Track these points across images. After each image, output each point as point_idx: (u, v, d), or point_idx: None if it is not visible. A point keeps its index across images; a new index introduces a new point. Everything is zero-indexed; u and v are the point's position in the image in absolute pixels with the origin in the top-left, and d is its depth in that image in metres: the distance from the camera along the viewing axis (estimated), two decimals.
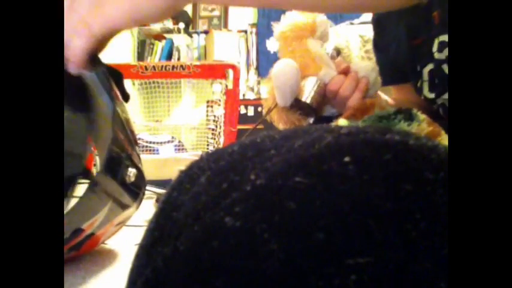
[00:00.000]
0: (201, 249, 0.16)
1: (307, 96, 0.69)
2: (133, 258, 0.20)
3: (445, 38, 0.60)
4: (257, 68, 3.03)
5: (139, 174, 0.48)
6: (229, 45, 3.09)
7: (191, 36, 3.11)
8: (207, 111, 2.64)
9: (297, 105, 0.69)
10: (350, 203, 0.15)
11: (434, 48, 0.61)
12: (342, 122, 0.53)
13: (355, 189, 0.15)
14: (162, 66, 1.18)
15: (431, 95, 0.63)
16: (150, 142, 1.74)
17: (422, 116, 0.47)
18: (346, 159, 0.16)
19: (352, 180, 0.15)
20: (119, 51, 2.61)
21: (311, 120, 0.71)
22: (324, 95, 0.69)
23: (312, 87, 0.68)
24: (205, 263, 0.15)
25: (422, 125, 0.46)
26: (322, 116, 0.72)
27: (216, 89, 2.19)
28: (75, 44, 0.36)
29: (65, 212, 0.36)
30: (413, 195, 0.15)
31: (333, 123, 0.56)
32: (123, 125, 0.47)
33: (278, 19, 0.68)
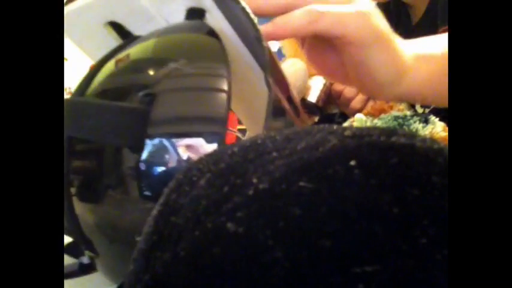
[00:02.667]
0: (202, 255, 0.15)
1: (313, 96, 0.69)
2: (131, 261, 0.19)
3: None
4: None
5: None
6: None
7: None
8: None
9: (303, 104, 0.69)
10: (356, 209, 0.14)
11: None
12: (358, 117, 0.53)
13: (361, 195, 0.15)
14: None
15: (421, 110, 0.65)
16: None
17: (439, 122, 0.47)
18: (352, 163, 0.16)
19: (358, 185, 0.15)
20: None
21: (316, 118, 0.71)
22: (330, 94, 0.69)
23: (319, 87, 0.69)
24: (207, 270, 0.15)
25: (436, 129, 0.46)
26: (327, 114, 0.73)
27: None
28: None
29: None
30: (421, 200, 0.15)
31: (350, 119, 0.56)
32: None
33: None
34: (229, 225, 0.15)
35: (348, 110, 0.68)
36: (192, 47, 0.36)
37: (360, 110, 0.66)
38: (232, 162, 0.19)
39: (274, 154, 0.18)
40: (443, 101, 0.43)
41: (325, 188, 0.15)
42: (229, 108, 0.31)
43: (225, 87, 0.31)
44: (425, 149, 0.17)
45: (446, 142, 0.19)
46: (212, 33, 0.34)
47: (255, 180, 0.16)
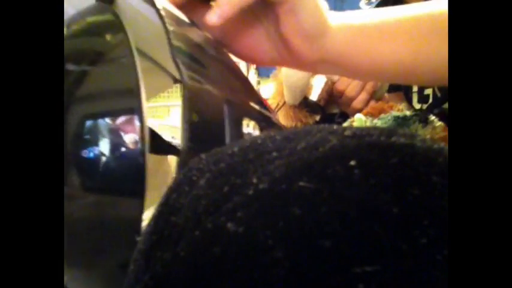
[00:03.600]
0: (202, 255, 0.15)
1: (315, 95, 0.69)
2: (130, 262, 0.19)
3: None
4: (257, 68, 3.01)
5: None
6: None
7: None
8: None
9: (305, 103, 0.69)
10: (356, 209, 0.14)
11: None
12: (358, 117, 0.53)
13: (361, 195, 0.15)
14: None
15: (418, 106, 0.65)
16: None
17: (438, 122, 0.47)
18: (352, 163, 0.16)
19: (358, 185, 0.15)
20: None
21: (317, 117, 0.71)
22: (332, 94, 0.69)
23: (321, 85, 0.69)
24: (207, 270, 0.15)
25: (436, 130, 0.46)
26: (327, 114, 0.73)
27: None
28: None
29: None
30: (421, 200, 0.15)
31: (350, 119, 0.56)
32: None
33: None
34: (229, 225, 0.15)
35: (349, 110, 0.68)
36: (96, 29, 0.35)
37: (361, 110, 0.66)
38: (232, 162, 0.19)
39: (274, 154, 0.18)
40: (361, 69, 0.44)
41: (325, 188, 0.15)
42: (138, 81, 0.30)
43: (129, 58, 0.30)
44: (425, 149, 0.17)
45: (446, 142, 0.19)
46: (112, 12, 0.34)
47: (255, 180, 0.16)
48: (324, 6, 0.40)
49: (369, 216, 0.14)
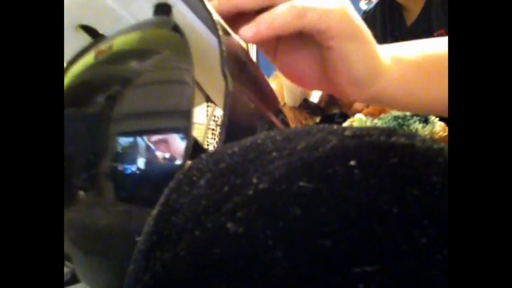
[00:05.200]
0: (202, 255, 0.15)
1: (316, 97, 0.69)
2: (131, 262, 0.19)
3: None
4: None
5: None
6: None
7: None
8: (207, 111, 2.62)
9: (305, 104, 0.69)
10: (356, 209, 0.14)
11: None
12: (358, 117, 0.53)
13: (361, 195, 0.15)
14: None
15: None
16: None
17: (438, 122, 0.47)
18: (352, 163, 0.16)
19: (358, 185, 0.15)
20: None
21: (317, 119, 0.71)
22: (332, 95, 0.69)
23: None
24: (207, 270, 0.15)
25: (436, 129, 0.46)
26: (328, 115, 0.73)
27: None
28: None
29: None
30: (421, 200, 0.15)
31: (350, 119, 0.56)
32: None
33: None
34: (229, 225, 0.15)
35: (351, 112, 0.69)
36: (155, 44, 0.36)
37: (361, 111, 0.66)
38: (232, 162, 0.19)
39: (274, 154, 0.18)
40: (414, 106, 0.43)
41: (325, 188, 0.15)
42: (193, 101, 0.30)
43: (189, 81, 0.30)
44: (425, 149, 0.17)
45: (446, 142, 0.19)
46: (176, 28, 0.34)
47: (255, 180, 0.16)
48: (380, 48, 0.37)
49: (369, 216, 0.14)
